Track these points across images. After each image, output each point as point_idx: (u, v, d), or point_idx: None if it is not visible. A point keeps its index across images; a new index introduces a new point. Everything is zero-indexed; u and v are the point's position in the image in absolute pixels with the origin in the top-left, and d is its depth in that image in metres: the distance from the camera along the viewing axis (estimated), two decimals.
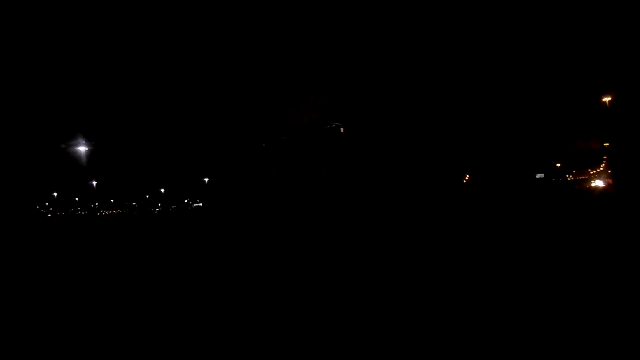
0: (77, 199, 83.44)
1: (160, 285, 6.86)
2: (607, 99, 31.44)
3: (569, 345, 3.33)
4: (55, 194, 74.70)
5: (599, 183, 44.99)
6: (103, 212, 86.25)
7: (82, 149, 36.05)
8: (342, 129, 31.05)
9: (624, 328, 3.61)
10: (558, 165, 52.69)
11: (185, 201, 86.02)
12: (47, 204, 79.74)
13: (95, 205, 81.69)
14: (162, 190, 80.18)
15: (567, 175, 52.67)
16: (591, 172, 57.36)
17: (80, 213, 79.41)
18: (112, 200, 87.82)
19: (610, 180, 41.10)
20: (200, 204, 71.91)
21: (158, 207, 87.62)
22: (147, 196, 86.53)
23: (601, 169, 53.12)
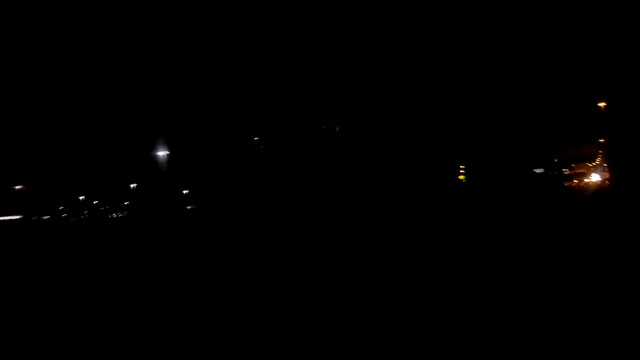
0: (95, 202, 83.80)
1: (149, 285, 7.02)
2: (602, 104, 32.73)
3: (568, 344, 3.35)
4: (82, 197, 75.16)
5: (595, 177, 45.12)
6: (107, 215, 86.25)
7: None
8: (337, 128, 31.36)
9: (623, 327, 3.62)
10: (556, 160, 52.71)
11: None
12: (61, 207, 80.00)
13: (106, 207, 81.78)
14: (185, 191, 79.91)
15: (564, 170, 52.63)
16: (589, 165, 57.34)
17: (84, 216, 79.59)
18: (125, 203, 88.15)
19: (607, 174, 41.23)
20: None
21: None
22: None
23: (597, 162, 53.14)
